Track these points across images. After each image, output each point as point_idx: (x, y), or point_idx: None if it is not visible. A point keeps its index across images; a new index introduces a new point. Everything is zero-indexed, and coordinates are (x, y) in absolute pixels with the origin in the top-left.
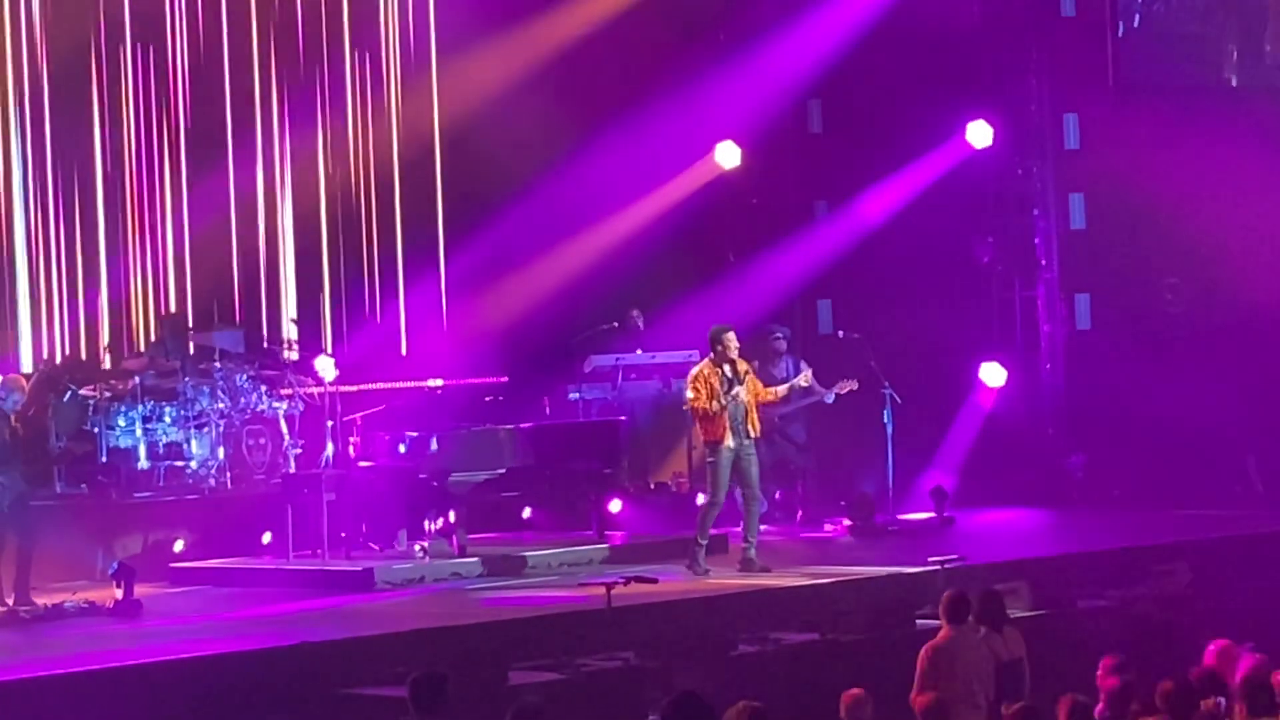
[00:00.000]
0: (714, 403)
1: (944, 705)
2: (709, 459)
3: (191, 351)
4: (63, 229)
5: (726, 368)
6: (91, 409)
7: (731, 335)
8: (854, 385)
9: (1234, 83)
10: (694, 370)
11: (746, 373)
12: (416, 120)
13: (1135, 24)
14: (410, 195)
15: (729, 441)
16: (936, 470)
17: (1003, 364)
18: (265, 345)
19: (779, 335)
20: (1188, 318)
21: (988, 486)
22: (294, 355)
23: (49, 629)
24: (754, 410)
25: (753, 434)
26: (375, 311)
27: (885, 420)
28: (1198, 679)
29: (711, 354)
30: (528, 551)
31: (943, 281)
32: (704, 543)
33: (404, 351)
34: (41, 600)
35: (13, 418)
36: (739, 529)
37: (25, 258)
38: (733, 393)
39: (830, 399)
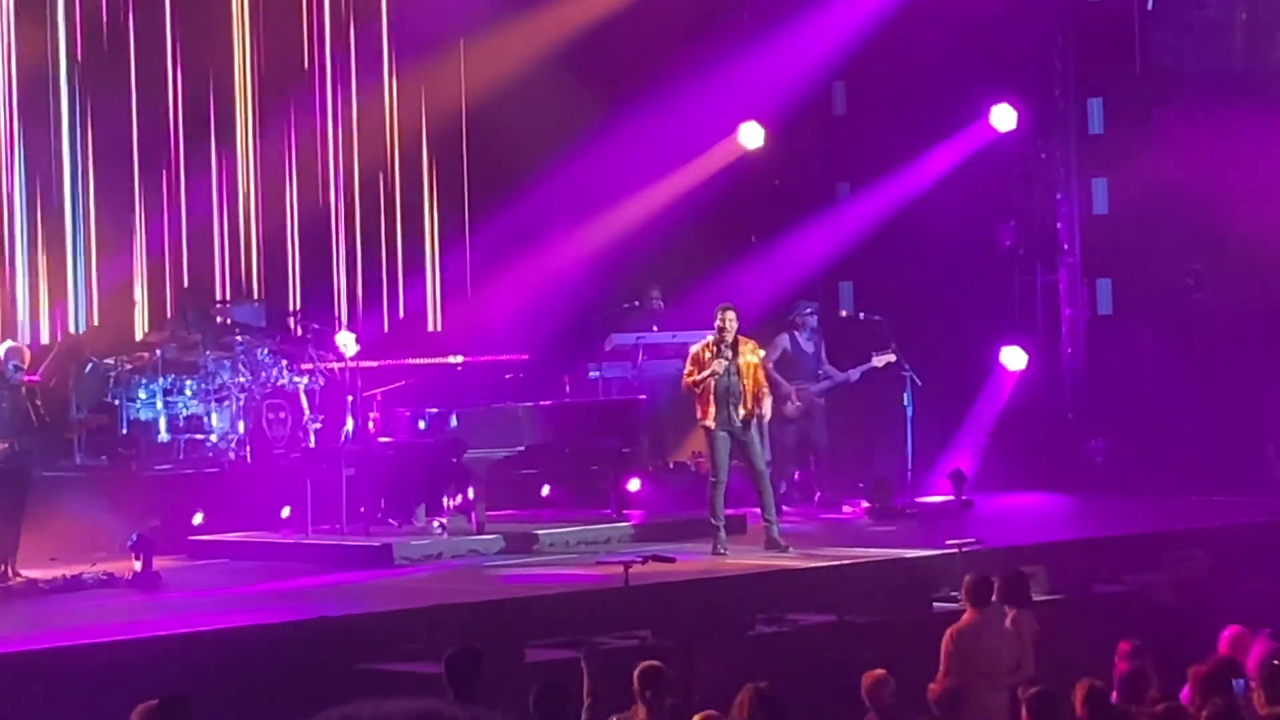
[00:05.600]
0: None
1: (958, 694)
2: (705, 438)
3: (214, 325)
4: (91, 201)
5: (724, 348)
6: (113, 381)
7: (730, 315)
8: (891, 357)
9: (1241, 69)
10: (693, 347)
11: (750, 355)
12: (441, 97)
13: (1164, 3)
14: (434, 172)
15: (710, 420)
16: (956, 453)
17: (1023, 348)
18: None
19: (809, 310)
20: (1210, 304)
21: (1007, 470)
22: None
23: (68, 600)
24: (749, 393)
25: (742, 414)
26: (397, 288)
27: (905, 403)
28: (1215, 666)
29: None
30: (546, 529)
31: (964, 265)
32: (719, 523)
33: (430, 328)
34: (60, 571)
35: (23, 389)
36: (758, 509)
37: (45, 230)
38: (711, 367)
39: (855, 377)
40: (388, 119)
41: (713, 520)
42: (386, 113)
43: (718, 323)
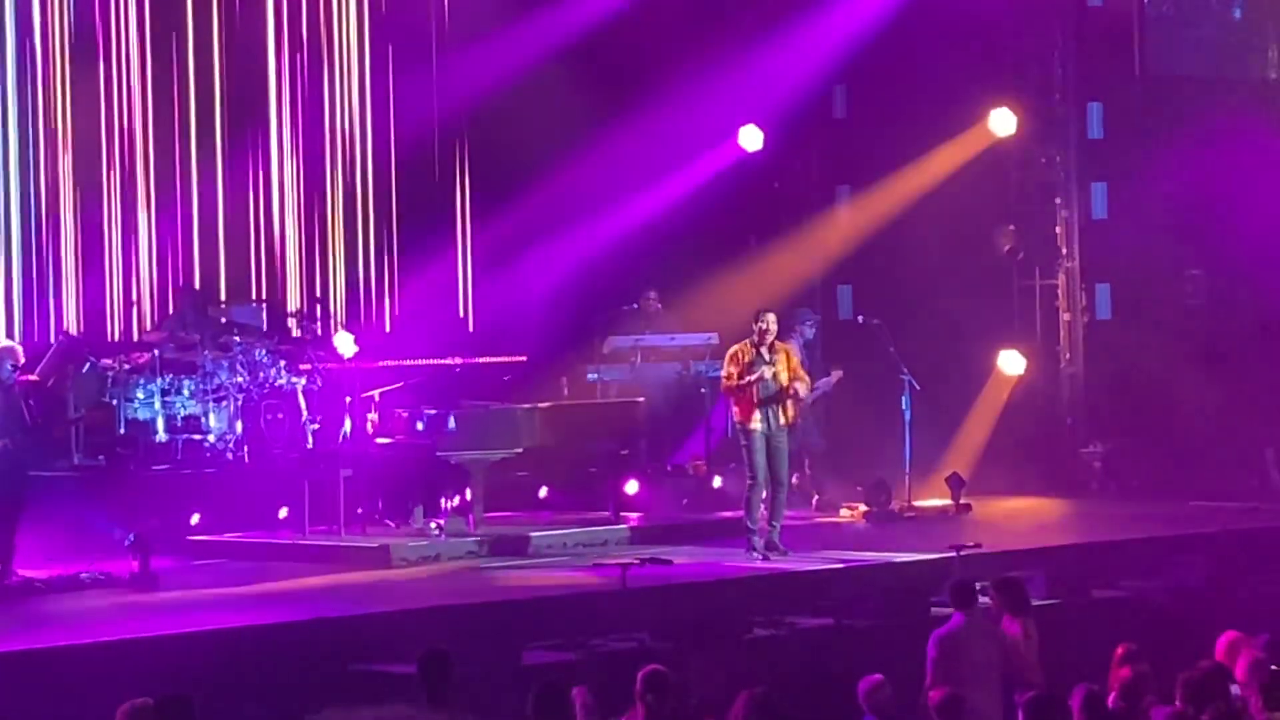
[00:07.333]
0: (738, 380)
1: (959, 700)
2: (741, 441)
3: (212, 325)
4: (91, 201)
5: (764, 350)
6: (110, 381)
7: (771, 317)
8: (839, 374)
9: (1274, 77)
10: (732, 348)
11: (786, 358)
12: (441, 100)
13: (1165, 10)
14: (434, 174)
15: (755, 423)
16: (954, 457)
17: (1022, 352)
18: (287, 318)
19: (808, 321)
20: (1208, 309)
21: (1005, 474)
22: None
23: (65, 600)
24: (787, 398)
25: (782, 420)
26: (397, 289)
27: (903, 406)
28: (1210, 671)
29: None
30: (543, 531)
31: (963, 269)
32: (754, 526)
33: (427, 329)
34: (58, 571)
35: (17, 388)
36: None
37: (47, 231)
38: (756, 372)
39: (828, 387)
40: (386, 119)
41: (749, 523)
42: (386, 113)
43: (761, 325)
